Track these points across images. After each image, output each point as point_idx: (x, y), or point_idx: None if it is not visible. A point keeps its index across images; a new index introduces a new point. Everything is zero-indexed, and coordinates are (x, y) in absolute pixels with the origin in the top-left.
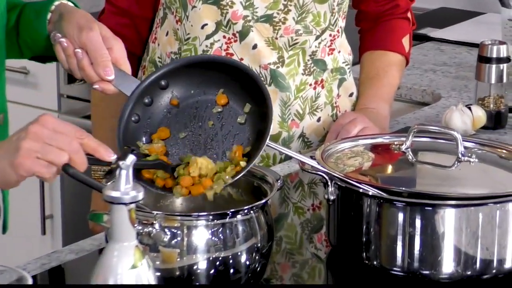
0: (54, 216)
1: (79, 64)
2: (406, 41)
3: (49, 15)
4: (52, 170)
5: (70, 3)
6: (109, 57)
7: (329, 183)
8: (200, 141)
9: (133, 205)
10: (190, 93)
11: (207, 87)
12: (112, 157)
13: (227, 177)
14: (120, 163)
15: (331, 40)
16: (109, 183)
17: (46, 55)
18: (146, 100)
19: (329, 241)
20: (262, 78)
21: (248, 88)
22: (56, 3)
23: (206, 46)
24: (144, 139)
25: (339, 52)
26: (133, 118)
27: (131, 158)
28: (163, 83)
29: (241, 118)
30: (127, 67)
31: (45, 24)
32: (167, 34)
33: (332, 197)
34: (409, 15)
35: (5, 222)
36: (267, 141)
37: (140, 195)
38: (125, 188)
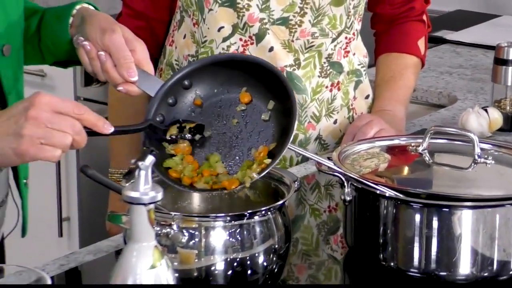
0: (71, 218)
1: (102, 66)
2: (421, 43)
3: (70, 19)
4: (57, 153)
5: (91, 7)
6: (132, 58)
7: (345, 184)
8: (225, 139)
9: (152, 206)
10: (214, 92)
11: (231, 86)
12: (110, 129)
13: (253, 173)
14: (139, 163)
15: (346, 43)
16: (128, 184)
17: (68, 59)
18: (170, 100)
19: (346, 243)
20: None
21: (272, 85)
22: (77, 7)
23: (223, 48)
24: (169, 139)
25: (354, 54)
26: (157, 119)
27: (150, 159)
28: (186, 83)
29: (265, 115)
30: (150, 68)
31: (67, 28)
32: (184, 37)
33: (348, 198)
34: (424, 17)
35: (24, 226)
36: (292, 137)
37: (159, 196)
38: (144, 188)
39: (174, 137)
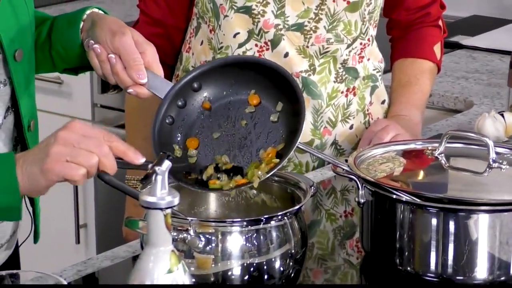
0: (88, 225)
1: (112, 69)
2: (437, 48)
3: (81, 24)
4: (82, 172)
5: (101, 11)
6: (142, 61)
7: (359, 186)
8: (234, 140)
9: (169, 210)
10: (223, 94)
11: (239, 88)
12: (141, 160)
13: (260, 172)
14: (156, 168)
15: (361, 49)
16: (145, 189)
17: (79, 65)
18: (180, 102)
19: (362, 247)
20: None
21: (280, 86)
22: (88, 11)
23: (239, 54)
24: (178, 140)
25: (368, 59)
26: (167, 120)
27: (166, 164)
28: (195, 85)
29: (273, 116)
30: (160, 71)
31: (78, 33)
32: (201, 43)
33: (362, 200)
34: (440, 23)
35: (36, 232)
36: (299, 140)
37: (176, 200)
38: (161, 193)
39: (210, 177)
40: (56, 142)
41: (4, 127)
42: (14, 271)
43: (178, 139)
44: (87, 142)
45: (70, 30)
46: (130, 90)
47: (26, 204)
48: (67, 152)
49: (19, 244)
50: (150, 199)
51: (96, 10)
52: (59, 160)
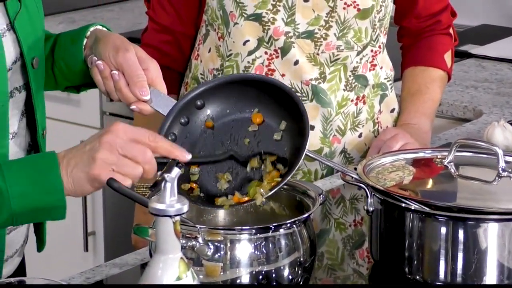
0: (97, 233)
1: (115, 85)
2: (448, 56)
3: (84, 41)
4: (127, 182)
5: (104, 29)
6: (145, 77)
7: (368, 195)
8: (237, 158)
9: (178, 218)
10: (226, 112)
11: (243, 106)
12: (187, 157)
13: (262, 190)
14: (165, 175)
15: (372, 56)
16: (154, 196)
17: (81, 82)
18: (183, 120)
19: (371, 256)
20: (303, 94)
21: (284, 105)
22: (91, 28)
23: (248, 62)
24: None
25: (381, 68)
26: (170, 138)
27: (176, 171)
28: (199, 102)
29: (277, 135)
30: (162, 87)
31: (81, 49)
32: (209, 50)
33: (371, 209)
34: (451, 30)
35: (43, 240)
36: (304, 155)
37: (185, 208)
38: (170, 200)
39: (255, 169)
40: (101, 147)
41: (19, 134)
42: (22, 278)
43: None
44: (131, 148)
45: (73, 47)
46: (133, 107)
47: None
48: (113, 161)
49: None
50: (159, 206)
51: (99, 27)
52: (105, 168)
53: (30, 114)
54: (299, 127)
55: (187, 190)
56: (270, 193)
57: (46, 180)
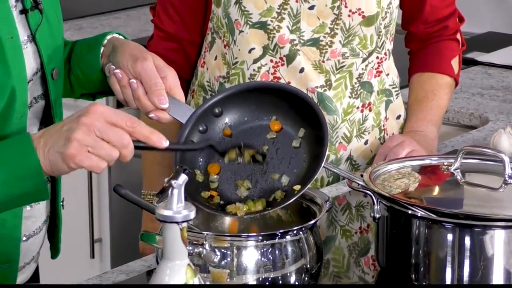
0: (103, 239)
1: (134, 94)
2: (455, 62)
3: (101, 49)
4: (103, 165)
5: (121, 37)
6: (163, 86)
7: (375, 202)
8: (255, 166)
9: (185, 224)
10: (244, 119)
11: (261, 113)
12: (165, 143)
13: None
14: (173, 182)
15: (378, 63)
16: (161, 203)
17: (98, 90)
18: (201, 128)
19: (377, 263)
20: None
21: (303, 112)
22: (108, 36)
23: (254, 70)
24: (200, 165)
25: (387, 74)
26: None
27: (183, 178)
28: (217, 110)
29: (296, 142)
30: (181, 96)
31: (98, 57)
32: (215, 58)
33: (378, 216)
34: (458, 36)
35: (57, 248)
36: (323, 164)
37: (192, 214)
38: (177, 207)
39: (232, 161)
40: (78, 128)
41: None
42: (34, 284)
43: (200, 164)
44: (109, 131)
45: (90, 55)
46: (151, 115)
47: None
48: (89, 142)
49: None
50: (167, 212)
51: (116, 35)
52: (81, 149)
53: (49, 123)
54: (316, 135)
55: (207, 198)
56: (293, 199)
57: (24, 165)
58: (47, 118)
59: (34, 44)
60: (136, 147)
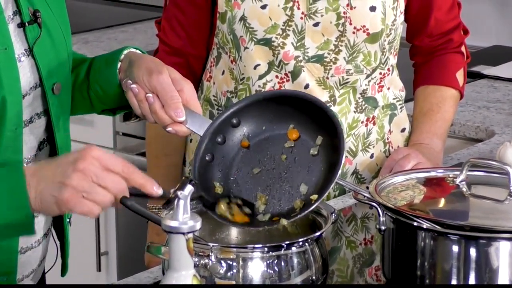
0: (109, 252)
1: (151, 108)
2: (460, 75)
3: (119, 64)
4: (97, 211)
5: (138, 51)
6: (180, 98)
7: (380, 213)
8: (274, 175)
9: (191, 235)
10: (262, 129)
11: (278, 122)
12: (159, 192)
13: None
14: (178, 193)
15: (380, 78)
16: (167, 214)
17: (117, 105)
18: (219, 139)
19: (383, 274)
20: None
21: (320, 120)
22: (125, 51)
23: (259, 86)
24: (219, 177)
25: (388, 89)
26: (207, 158)
27: (189, 189)
28: (234, 121)
29: (313, 150)
30: (198, 108)
31: (116, 73)
32: (223, 73)
33: (383, 227)
34: (463, 48)
35: (65, 265)
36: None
37: (198, 225)
38: (183, 218)
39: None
40: (73, 174)
41: (39, 159)
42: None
43: (219, 176)
44: (104, 177)
45: (108, 70)
46: (169, 129)
47: (53, 236)
48: (85, 188)
49: (46, 271)
50: (172, 223)
51: (133, 50)
52: (75, 195)
53: (51, 139)
54: (333, 144)
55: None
56: (312, 208)
57: (12, 196)
58: (51, 135)
59: (32, 58)
60: (131, 195)
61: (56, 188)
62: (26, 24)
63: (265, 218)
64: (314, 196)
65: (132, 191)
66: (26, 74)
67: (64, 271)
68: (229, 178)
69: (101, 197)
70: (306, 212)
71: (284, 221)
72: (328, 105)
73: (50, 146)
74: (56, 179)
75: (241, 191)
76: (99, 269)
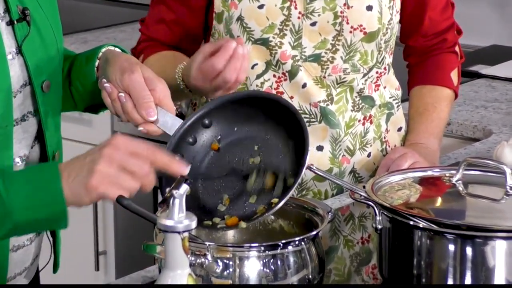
0: (108, 252)
1: (123, 107)
2: (454, 75)
3: (97, 62)
4: (124, 194)
5: (117, 49)
6: (151, 98)
7: (377, 212)
8: (243, 177)
9: (186, 234)
10: (234, 130)
11: (250, 124)
12: (186, 170)
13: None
14: (174, 192)
15: (377, 77)
16: (162, 212)
17: (95, 103)
18: (190, 139)
19: (380, 273)
20: (312, 116)
21: (289, 122)
22: (103, 49)
23: (257, 85)
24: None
25: (385, 87)
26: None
27: (184, 188)
28: (206, 121)
29: (283, 152)
30: (170, 107)
31: (94, 70)
32: None
33: (379, 227)
34: (456, 48)
35: (56, 262)
36: (314, 174)
37: (193, 224)
38: (179, 217)
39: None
40: (101, 160)
41: (31, 157)
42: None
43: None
44: (130, 162)
45: (87, 67)
46: (140, 128)
47: (47, 233)
48: (112, 173)
49: (39, 269)
50: (168, 222)
51: (111, 47)
52: (103, 180)
53: (42, 138)
54: (302, 144)
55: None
56: (277, 207)
57: (48, 192)
58: (42, 135)
59: (21, 56)
60: (160, 178)
61: (84, 175)
62: (15, 22)
63: (224, 222)
64: (275, 200)
65: (159, 174)
66: (16, 72)
67: (55, 267)
68: (197, 179)
69: (128, 183)
70: (266, 215)
71: (243, 224)
72: (325, 103)
73: (40, 144)
74: (84, 167)
75: (207, 192)
76: (97, 269)
